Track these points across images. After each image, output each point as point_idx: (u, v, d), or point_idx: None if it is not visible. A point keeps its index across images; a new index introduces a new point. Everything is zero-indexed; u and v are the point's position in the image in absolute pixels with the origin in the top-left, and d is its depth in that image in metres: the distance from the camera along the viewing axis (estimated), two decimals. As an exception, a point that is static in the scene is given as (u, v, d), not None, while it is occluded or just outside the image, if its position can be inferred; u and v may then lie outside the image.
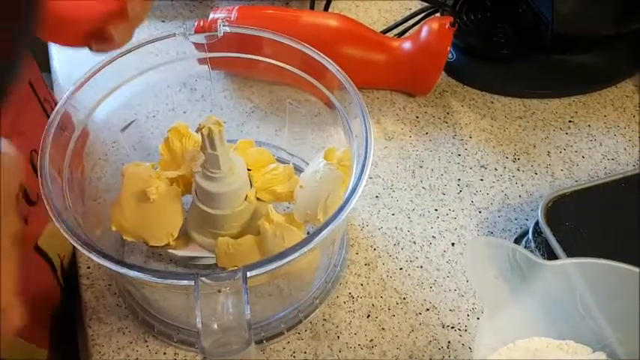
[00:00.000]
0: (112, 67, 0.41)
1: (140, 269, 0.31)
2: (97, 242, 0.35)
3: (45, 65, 0.64)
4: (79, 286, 0.46)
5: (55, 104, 0.40)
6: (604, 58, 0.61)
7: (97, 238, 0.39)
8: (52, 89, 0.60)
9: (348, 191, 0.35)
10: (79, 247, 0.32)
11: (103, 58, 0.41)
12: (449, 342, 0.43)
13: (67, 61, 0.62)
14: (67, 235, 0.33)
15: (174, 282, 0.31)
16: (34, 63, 0.50)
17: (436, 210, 0.51)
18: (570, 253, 0.42)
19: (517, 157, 0.55)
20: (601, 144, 0.56)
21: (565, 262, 0.38)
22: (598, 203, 0.47)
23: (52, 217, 0.33)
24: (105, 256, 0.32)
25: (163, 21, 0.66)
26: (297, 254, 0.31)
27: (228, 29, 0.43)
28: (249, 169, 0.43)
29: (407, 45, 0.56)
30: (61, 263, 0.48)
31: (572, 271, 0.37)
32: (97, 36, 0.38)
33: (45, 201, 0.34)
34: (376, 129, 0.56)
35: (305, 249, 0.32)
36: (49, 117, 0.48)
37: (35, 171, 0.43)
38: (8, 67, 0.25)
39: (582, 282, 0.37)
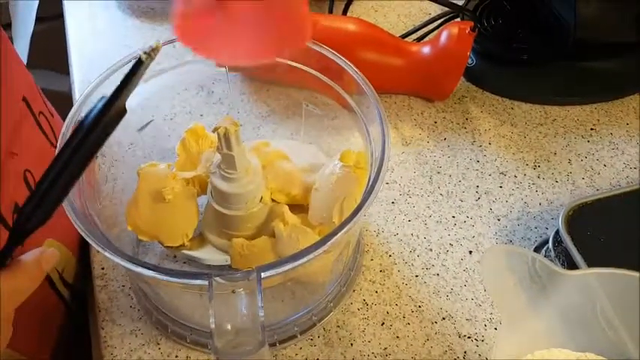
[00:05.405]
0: (129, 68, 0.41)
1: (155, 268, 0.31)
2: (113, 242, 0.35)
3: (63, 67, 0.64)
4: (92, 288, 0.46)
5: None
6: (626, 65, 0.60)
7: (113, 238, 0.39)
8: (70, 90, 0.61)
9: (364, 193, 0.35)
10: (95, 246, 0.32)
11: (120, 58, 0.41)
12: (465, 352, 0.42)
13: (85, 63, 0.63)
14: (83, 234, 0.33)
15: (189, 281, 0.31)
16: (29, 74, 0.49)
17: (454, 217, 0.50)
18: (591, 263, 0.41)
19: (537, 165, 0.54)
20: (623, 152, 0.55)
21: (586, 272, 0.37)
22: (620, 213, 0.46)
23: (70, 216, 0.33)
24: (121, 254, 0.32)
25: (182, 24, 0.66)
26: (311, 256, 0.31)
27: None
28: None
29: (426, 50, 0.55)
30: (60, 276, 0.47)
31: (593, 281, 0.36)
32: None
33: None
34: (394, 134, 0.56)
35: (319, 250, 0.31)
36: (43, 131, 0.48)
37: (30, 191, 0.43)
38: None
39: (603, 293, 0.36)
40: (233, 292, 0.30)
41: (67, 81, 0.63)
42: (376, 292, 0.45)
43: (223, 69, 0.48)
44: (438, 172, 0.53)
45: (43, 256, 0.32)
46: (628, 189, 0.47)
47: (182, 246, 0.43)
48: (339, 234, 0.32)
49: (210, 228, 0.43)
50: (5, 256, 0.30)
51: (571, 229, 0.44)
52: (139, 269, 0.31)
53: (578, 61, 0.60)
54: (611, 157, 0.55)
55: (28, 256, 0.31)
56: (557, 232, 0.44)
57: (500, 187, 0.52)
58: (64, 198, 0.29)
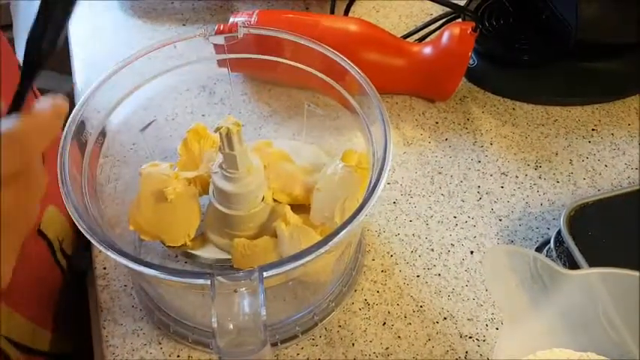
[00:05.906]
0: (131, 68, 0.42)
1: (158, 267, 0.31)
2: (115, 242, 0.35)
3: (65, 67, 0.65)
4: (94, 286, 0.46)
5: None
6: (628, 66, 0.60)
7: (115, 237, 0.39)
8: (72, 90, 0.61)
9: (366, 194, 0.35)
10: (98, 246, 0.32)
11: (122, 59, 0.41)
12: (466, 352, 0.42)
13: (87, 63, 0.63)
14: (86, 234, 0.33)
15: (191, 281, 0.31)
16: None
17: (455, 217, 0.50)
18: (593, 263, 0.41)
19: (539, 165, 0.54)
20: (624, 153, 0.55)
21: (588, 272, 0.37)
22: (621, 213, 0.46)
23: (72, 216, 0.33)
24: (123, 254, 0.32)
25: (184, 24, 0.67)
26: (313, 255, 0.31)
27: (247, 30, 0.43)
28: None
29: (427, 50, 0.55)
30: (60, 246, 0.48)
31: (594, 281, 0.36)
32: None
33: (64, 199, 0.34)
34: (395, 134, 0.56)
35: (321, 250, 0.31)
36: None
37: None
38: None
39: (605, 292, 0.36)
40: (235, 291, 0.30)
41: (69, 81, 0.63)
42: (378, 292, 0.45)
43: (225, 69, 0.48)
44: (440, 173, 0.53)
45: (54, 109, 0.30)
46: (629, 189, 0.47)
47: (184, 246, 0.43)
48: (341, 234, 0.32)
49: (212, 228, 0.43)
50: (23, 93, 0.29)
51: (572, 230, 0.44)
52: (142, 268, 0.31)
53: (579, 62, 0.60)
54: (613, 157, 0.55)
55: (40, 104, 0.30)
56: (558, 233, 0.45)
57: (502, 187, 0.52)
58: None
